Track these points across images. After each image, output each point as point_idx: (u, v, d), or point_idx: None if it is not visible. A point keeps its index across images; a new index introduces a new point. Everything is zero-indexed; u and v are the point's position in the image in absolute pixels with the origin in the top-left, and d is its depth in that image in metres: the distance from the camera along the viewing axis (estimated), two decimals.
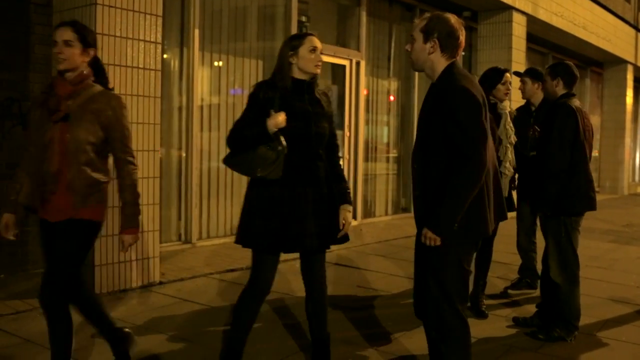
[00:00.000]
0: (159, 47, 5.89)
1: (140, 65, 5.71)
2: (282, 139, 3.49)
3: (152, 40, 5.79)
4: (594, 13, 15.02)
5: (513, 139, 5.39)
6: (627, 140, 18.25)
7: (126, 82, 5.59)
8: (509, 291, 6.08)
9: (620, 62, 17.83)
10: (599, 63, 18.19)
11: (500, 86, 5.35)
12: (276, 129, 3.48)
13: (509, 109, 5.44)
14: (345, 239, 3.85)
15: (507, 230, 6.00)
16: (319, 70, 3.67)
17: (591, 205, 4.74)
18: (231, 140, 3.68)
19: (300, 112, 3.60)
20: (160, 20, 5.89)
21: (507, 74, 5.47)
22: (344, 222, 3.77)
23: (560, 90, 4.79)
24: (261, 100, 3.57)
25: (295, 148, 3.55)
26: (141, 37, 5.70)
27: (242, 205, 3.75)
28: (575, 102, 4.70)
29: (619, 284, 6.60)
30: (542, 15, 12.36)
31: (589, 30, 14.71)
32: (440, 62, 3.30)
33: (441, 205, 3.12)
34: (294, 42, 3.65)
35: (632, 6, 18.29)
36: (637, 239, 9.84)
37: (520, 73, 5.94)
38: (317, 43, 3.65)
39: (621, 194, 17.89)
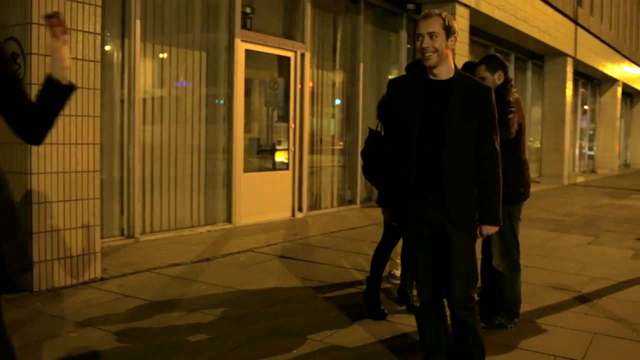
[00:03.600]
0: (99, 38, 5.76)
1: (79, 57, 5.57)
2: None
3: (91, 30, 5.66)
4: (535, 7, 15.30)
5: None
6: (567, 131, 18.70)
7: None
8: None
9: (560, 55, 18.25)
10: (539, 56, 18.58)
11: None
12: None
13: None
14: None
15: None
16: None
17: (528, 193, 4.89)
18: None
19: None
20: (99, 11, 5.76)
21: None
22: None
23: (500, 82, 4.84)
24: None
25: None
26: (80, 28, 5.56)
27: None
28: (515, 94, 4.77)
29: (559, 271, 6.76)
30: (485, 9, 12.54)
31: (530, 24, 15.00)
32: (450, 57, 3.45)
33: (492, 200, 3.49)
34: None
35: (571, 0, 18.70)
36: (577, 227, 10.10)
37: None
38: None
39: (561, 184, 18.33)
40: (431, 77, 3.46)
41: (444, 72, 3.43)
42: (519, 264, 4.86)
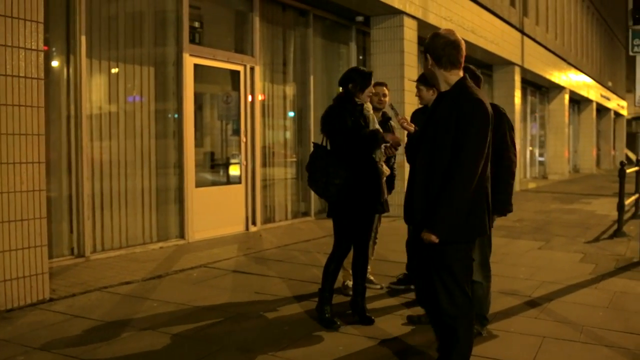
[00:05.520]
0: (41, 54, 5.66)
1: (21, 74, 5.47)
2: None
3: (33, 47, 5.56)
4: (482, 17, 15.59)
5: None
6: (517, 139, 19.00)
7: (6, 92, 5.34)
8: (392, 286, 6.20)
9: (508, 64, 18.61)
10: (488, 65, 18.89)
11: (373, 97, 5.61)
12: None
13: (372, 111, 5.44)
14: None
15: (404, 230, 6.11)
16: None
17: None
18: None
19: None
20: (41, 27, 5.66)
21: (380, 87, 5.95)
22: None
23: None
24: None
25: None
26: (21, 45, 5.46)
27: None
28: None
29: (509, 277, 6.86)
30: (432, 20, 12.73)
31: (478, 34, 15.27)
32: (444, 75, 3.58)
33: (440, 207, 3.40)
34: None
35: (517, 10, 19.11)
36: (527, 232, 10.27)
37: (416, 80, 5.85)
38: None
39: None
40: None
41: (442, 88, 3.62)
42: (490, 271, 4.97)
